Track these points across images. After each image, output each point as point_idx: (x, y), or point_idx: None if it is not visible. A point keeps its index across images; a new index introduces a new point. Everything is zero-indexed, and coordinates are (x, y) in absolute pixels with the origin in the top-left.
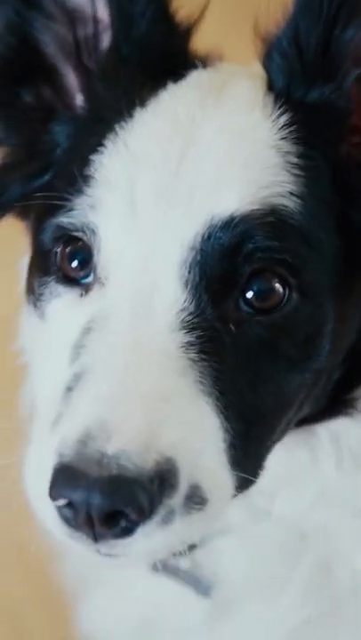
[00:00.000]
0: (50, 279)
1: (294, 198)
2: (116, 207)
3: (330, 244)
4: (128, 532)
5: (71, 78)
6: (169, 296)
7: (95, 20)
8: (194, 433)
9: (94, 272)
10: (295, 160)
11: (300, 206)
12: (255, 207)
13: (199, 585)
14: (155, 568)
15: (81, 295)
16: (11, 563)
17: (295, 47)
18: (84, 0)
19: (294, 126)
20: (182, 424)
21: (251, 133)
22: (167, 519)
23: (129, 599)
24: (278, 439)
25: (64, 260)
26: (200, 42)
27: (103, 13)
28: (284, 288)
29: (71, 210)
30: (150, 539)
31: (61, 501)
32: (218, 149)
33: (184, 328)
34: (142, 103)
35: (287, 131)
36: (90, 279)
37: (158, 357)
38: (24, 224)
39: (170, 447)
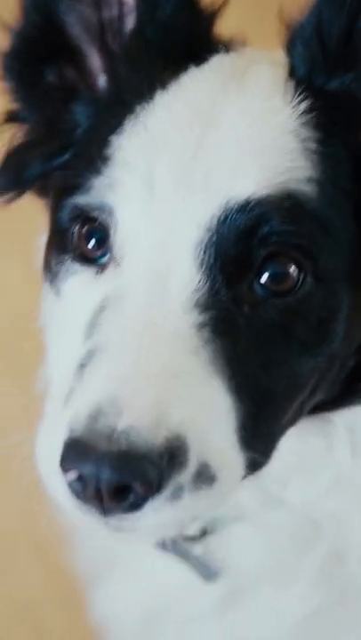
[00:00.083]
0: (66, 257)
1: (312, 184)
2: (134, 188)
3: (346, 232)
4: (136, 506)
5: (95, 59)
6: (184, 276)
7: (120, 2)
8: (204, 412)
9: (110, 252)
10: (314, 146)
11: (318, 192)
12: (272, 191)
13: (206, 570)
14: (164, 547)
15: (97, 273)
16: (30, 563)
17: (318, 36)
18: None
19: (314, 113)
20: (193, 402)
21: (270, 119)
22: (176, 495)
23: (140, 586)
24: (291, 423)
25: (81, 240)
26: (224, 27)
27: None
28: (299, 272)
29: (89, 190)
30: (159, 514)
31: (71, 475)
32: (237, 133)
33: (198, 308)
34: (163, 86)
35: (307, 117)
36: (106, 259)
37: (171, 336)
38: (43, 202)
39: (180, 425)
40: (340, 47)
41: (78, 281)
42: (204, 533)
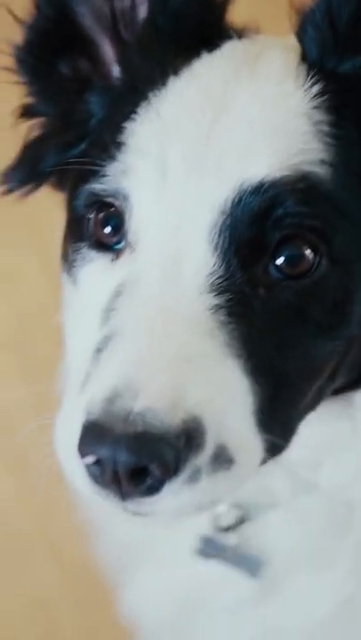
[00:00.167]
0: (83, 245)
1: (325, 166)
2: (147, 174)
3: (360, 213)
4: (154, 489)
5: (107, 50)
6: (198, 259)
7: None
8: (221, 394)
9: (126, 238)
10: (327, 129)
11: (331, 174)
12: (286, 173)
13: (248, 564)
14: (203, 554)
15: (112, 260)
16: (45, 563)
17: (328, 20)
18: None
19: (326, 96)
20: (210, 384)
21: (283, 102)
22: (194, 477)
23: (172, 579)
24: (311, 407)
25: (97, 226)
26: (236, 15)
27: None
28: (314, 254)
29: (104, 176)
30: (177, 497)
31: (89, 459)
32: (249, 117)
33: (213, 291)
34: (176, 72)
35: (319, 100)
36: (122, 245)
37: (186, 319)
38: (60, 195)
39: (196, 406)
40: (350, 30)
41: (94, 268)
42: (239, 523)
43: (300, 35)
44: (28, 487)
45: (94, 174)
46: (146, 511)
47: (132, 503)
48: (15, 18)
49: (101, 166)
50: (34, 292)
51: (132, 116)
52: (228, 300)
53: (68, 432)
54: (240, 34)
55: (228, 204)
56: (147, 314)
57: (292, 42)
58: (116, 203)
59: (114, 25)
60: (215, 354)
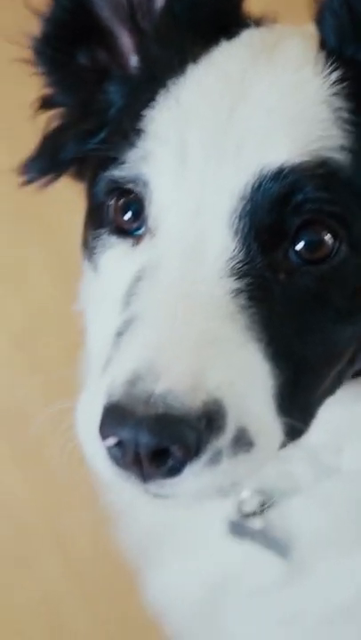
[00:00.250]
0: (103, 231)
1: (345, 152)
2: (167, 160)
3: None
4: (176, 471)
5: (125, 40)
6: (218, 244)
7: None
8: (242, 377)
9: (146, 224)
10: (346, 116)
11: (351, 161)
12: (305, 159)
13: (277, 546)
14: (233, 532)
15: (132, 245)
16: (51, 557)
17: (347, 7)
18: None
19: (346, 83)
20: (230, 368)
21: (301, 89)
22: (215, 460)
23: (197, 565)
24: (331, 391)
25: (117, 213)
26: (255, 4)
27: None
28: (333, 240)
29: (123, 163)
30: (198, 479)
31: (110, 441)
32: (268, 104)
33: (233, 275)
34: (195, 60)
35: (338, 87)
36: (142, 231)
37: (207, 303)
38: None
39: (217, 389)
40: None
41: (115, 254)
42: (262, 508)
43: (319, 22)
44: (35, 481)
45: (114, 161)
46: (167, 493)
47: (154, 485)
48: (32, 10)
49: (121, 153)
50: (43, 286)
51: (151, 103)
52: (249, 285)
53: (89, 415)
54: (258, 22)
55: (248, 190)
56: (167, 298)
57: (310, 30)
58: (136, 189)
59: (131, 15)
60: (236, 337)
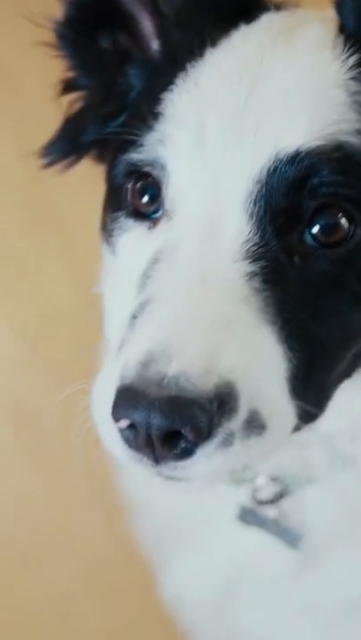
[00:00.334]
0: (121, 214)
1: None
2: (185, 143)
3: None
4: (188, 453)
5: (147, 24)
6: (234, 227)
7: None
8: (255, 359)
9: (163, 207)
10: None
11: None
12: (321, 142)
13: (288, 536)
14: (244, 520)
15: (149, 228)
16: (62, 557)
17: None
18: None
19: None
20: (244, 350)
21: (319, 72)
22: (227, 442)
23: (214, 558)
24: (345, 376)
25: (135, 196)
26: None
27: None
28: (349, 223)
29: (142, 146)
30: (210, 461)
31: (123, 423)
32: (286, 87)
33: (248, 258)
34: (214, 44)
35: (356, 71)
36: (159, 214)
37: (222, 285)
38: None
39: (230, 372)
40: None
41: (132, 237)
42: (278, 497)
43: (339, 6)
44: (45, 480)
45: (132, 144)
46: (179, 476)
47: (166, 467)
48: None
49: (139, 136)
50: (56, 284)
51: (171, 87)
52: (264, 268)
53: (103, 397)
54: (278, 6)
55: (264, 173)
56: (182, 280)
57: (330, 14)
58: (154, 172)
59: None
60: (250, 320)
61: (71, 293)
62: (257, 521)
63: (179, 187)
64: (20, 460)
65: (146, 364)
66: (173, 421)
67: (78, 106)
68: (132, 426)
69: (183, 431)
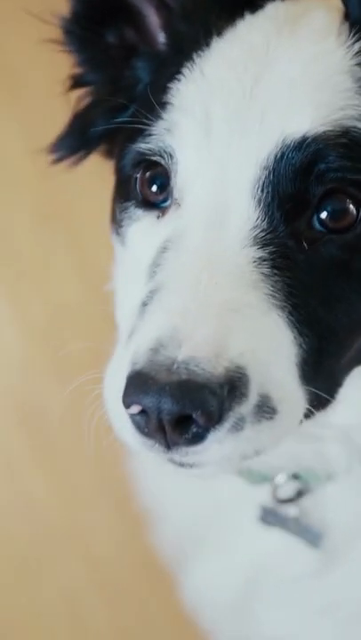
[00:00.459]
0: (130, 204)
1: None
2: (191, 130)
3: None
4: (199, 438)
5: (153, 18)
6: (242, 214)
7: None
8: (265, 344)
9: (171, 196)
10: None
11: None
12: (328, 128)
13: (309, 535)
14: (265, 521)
15: (158, 217)
16: (73, 555)
17: None
18: None
19: None
20: (253, 335)
21: (324, 59)
22: (238, 426)
23: (234, 560)
24: (356, 362)
25: (144, 185)
26: None
27: None
28: (357, 209)
29: (150, 135)
30: (221, 445)
31: (134, 409)
32: (291, 74)
33: (257, 244)
34: (219, 34)
35: None
36: (168, 203)
37: (231, 271)
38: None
39: (240, 356)
40: None
41: (141, 226)
42: (299, 495)
43: None
44: (56, 481)
45: (141, 134)
46: (191, 461)
47: (178, 453)
48: None
49: (147, 126)
50: (66, 285)
51: (177, 77)
52: (272, 253)
53: (114, 384)
54: None
55: (271, 160)
56: (191, 267)
57: (335, 2)
58: (162, 161)
59: None
60: (259, 305)
61: (79, 289)
62: (278, 521)
63: (186, 174)
64: (29, 463)
65: (156, 349)
66: (184, 406)
67: (86, 101)
68: (143, 412)
69: (194, 415)
